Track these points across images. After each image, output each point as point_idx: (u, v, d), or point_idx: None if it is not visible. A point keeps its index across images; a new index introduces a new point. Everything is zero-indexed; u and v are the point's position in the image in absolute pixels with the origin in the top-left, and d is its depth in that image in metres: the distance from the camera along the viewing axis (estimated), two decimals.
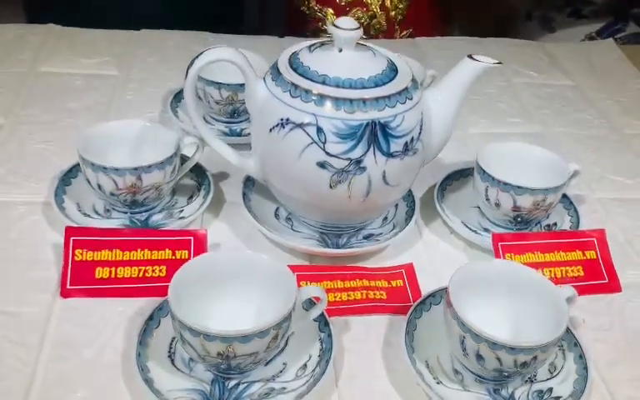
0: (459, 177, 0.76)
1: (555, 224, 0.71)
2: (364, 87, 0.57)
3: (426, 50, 1.09)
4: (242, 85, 0.76)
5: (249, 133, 0.79)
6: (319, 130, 0.56)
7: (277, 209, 0.68)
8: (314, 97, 0.57)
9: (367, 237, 0.66)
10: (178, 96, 0.84)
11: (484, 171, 0.66)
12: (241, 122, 0.81)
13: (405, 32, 1.20)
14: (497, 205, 0.66)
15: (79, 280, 0.58)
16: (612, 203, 0.78)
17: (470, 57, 0.63)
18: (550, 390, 0.53)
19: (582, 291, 0.64)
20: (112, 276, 0.59)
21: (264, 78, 0.61)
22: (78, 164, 0.67)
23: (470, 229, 0.69)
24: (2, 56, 0.92)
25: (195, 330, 0.46)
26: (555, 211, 0.71)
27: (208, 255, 0.54)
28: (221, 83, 0.76)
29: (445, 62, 1.06)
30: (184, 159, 0.68)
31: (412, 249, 0.68)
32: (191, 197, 0.69)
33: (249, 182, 0.69)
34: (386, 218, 0.69)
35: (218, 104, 0.78)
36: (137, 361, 0.50)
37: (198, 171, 0.70)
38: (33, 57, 0.93)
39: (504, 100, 0.97)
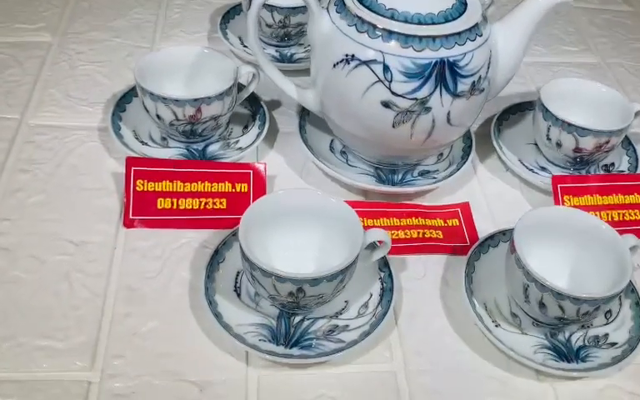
0: (516, 110, 0.74)
1: (613, 164, 0.70)
2: (433, 23, 0.55)
3: None
4: (296, 8, 0.74)
5: (300, 59, 0.78)
6: (386, 68, 0.55)
7: (331, 141, 0.68)
8: (381, 33, 0.55)
9: (422, 174, 0.66)
10: (227, 16, 0.82)
11: (547, 109, 0.65)
12: (291, 46, 0.79)
13: None
14: (559, 145, 0.65)
15: (141, 210, 0.59)
16: None
17: None
18: (606, 336, 0.54)
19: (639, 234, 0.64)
20: (174, 207, 0.59)
21: (327, 9, 0.59)
22: (132, 89, 0.67)
23: (527, 167, 0.68)
24: None
25: (267, 271, 0.47)
26: (613, 151, 0.69)
27: (277, 194, 0.54)
28: (273, 6, 0.74)
29: None
30: (240, 87, 0.67)
31: (466, 186, 0.67)
32: (246, 126, 0.68)
33: (305, 113, 0.68)
34: (441, 154, 0.68)
35: (270, 27, 0.76)
36: (205, 295, 0.51)
37: (253, 99, 0.69)
38: None
39: (559, 26, 0.94)
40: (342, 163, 0.66)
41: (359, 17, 0.55)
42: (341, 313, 0.53)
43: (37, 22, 0.80)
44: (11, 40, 0.77)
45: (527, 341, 0.53)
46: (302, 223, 0.54)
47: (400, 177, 0.65)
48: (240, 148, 0.65)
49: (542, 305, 0.50)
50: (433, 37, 0.55)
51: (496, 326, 0.54)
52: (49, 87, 0.71)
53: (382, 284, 0.55)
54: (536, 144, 0.70)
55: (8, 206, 0.58)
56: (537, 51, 0.88)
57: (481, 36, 0.57)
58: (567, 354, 0.53)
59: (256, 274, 0.48)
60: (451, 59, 0.55)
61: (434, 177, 0.65)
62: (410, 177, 0.66)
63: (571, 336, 0.54)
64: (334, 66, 0.57)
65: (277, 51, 0.79)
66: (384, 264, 0.56)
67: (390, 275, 0.55)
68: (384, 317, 0.52)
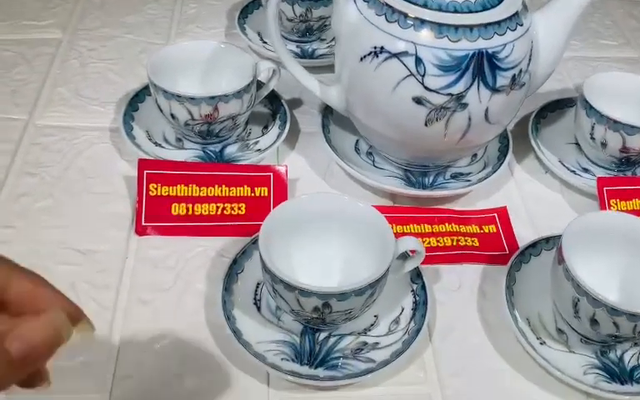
0: (554, 108, 0.69)
1: None
2: (470, 11, 0.51)
3: None
4: (318, 0, 0.70)
5: (322, 55, 0.74)
6: (418, 61, 0.50)
7: (357, 142, 0.63)
8: (413, 22, 0.50)
9: (455, 176, 0.61)
10: (245, 11, 0.78)
11: (591, 106, 0.59)
12: (313, 41, 0.75)
13: None
14: (604, 145, 0.60)
15: (154, 217, 0.55)
16: None
17: None
18: None
19: None
20: (189, 213, 0.55)
21: None
22: (146, 88, 0.63)
23: (568, 169, 0.63)
24: None
25: (290, 285, 0.42)
26: None
27: (300, 199, 0.50)
28: None
29: None
30: (259, 85, 0.63)
31: (502, 189, 0.62)
32: (265, 126, 0.64)
33: (328, 111, 0.64)
34: (475, 155, 0.63)
35: (291, 22, 0.72)
36: (223, 309, 0.47)
37: (273, 98, 0.65)
38: None
39: (596, 19, 0.88)
40: (368, 165, 0.61)
41: (389, 6, 0.51)
42: (370, 329, 0.48)
43: (46, 18, 0.77)
44: (19, 37, 0.74)
45: (575, 360, 0.48)
46: (328, 231, 0.49)
47: (431, 179, 0.61)
48: (259, 150, 0.61)
49: (594, 321, 0.46)
50: (470, 27, 0.50)
51: (540, 343, 0.49)
52: (58, 86, 0.68)
53: (415, 297, 0.50)
54: (577, 144, 0.65)
55: (12, 211, 0.55)
56: (574, 45, 0.82)
57: (522, 25, 0.52)
58: (619, 375, 0.48)
59: (278, 287, 0.44)
60: (490, 50, 0.50)
61: (468, 180, 0.61)
62: (442, 179, 0.61)
63: (623, 354, 0.49)
64: (361, 59, 0.52)
65: (297, 47, 0.75)
66: (417, 275, 0.51)
67: (423, 287, 0.50)
68: (418, 333, 0.47)
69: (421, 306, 0.49)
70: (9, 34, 0.74)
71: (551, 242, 0.54)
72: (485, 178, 0.60)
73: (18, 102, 0.65)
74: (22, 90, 0.67)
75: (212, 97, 0.56)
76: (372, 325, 0.49)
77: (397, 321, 0.49)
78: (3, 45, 0.72)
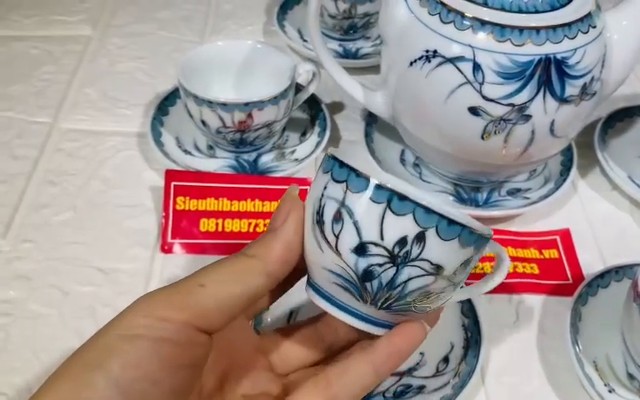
0: (623, 116, 0.63)
1: None
2: (537, 11, 0.45)
3: None
4: None
5: (366, 54, 0.69)
6: (476, 67, 0.44)
7: (402, 152, 0.58)
8: (471, 24, 0.44)
9: (511, 193, 0.55)
10: (285, 6, 0.73)
11: None
12: (356, 40, 0.70)
13: None
14: None
15: (182, 233, 0.50)
16: None
17: None
18: None
19: None
20: (220, 229, 0.51)
21: None
22: (177, 90, 0.59)
23: (638, 186, 0.57)
24: None
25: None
26: None
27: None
28: None
29: None
30: (297, 88, 0.58)
31: (564, 208, 0.56)
32: (303, 133, 0.59)
33: (372, 118, 0.58)
34: (534, 169, 0.57)
35: (334, 19, 0.67)
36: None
37: (312, 102, 0.60)
38: None
39: None
40: (414, 178, 0.56)
41: (443, 4, 0.45)
42: (415, 369, 0.43)
43: (77, 13, 0.73)
44: (47, 34, 0.70)
45: None
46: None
47: (485, 196, 0.55)
48: (296, 160, 0.56)
49: None
50: (537, 29, 0.44)
51: (609, 391, 0.43)
52: (85, 87, 0.64)
53: (466, 333, 0.45)
54: None
55: (32, 224, 0.51)
56: None
57: (594, 27, 0.46)
58: None
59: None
60: (559, 56, 0.44)
61: (527, 198, 0.55)
62: (497, 196, 0.55)
63: None
64: (411, 64, 0.47)
65: (340, 45, 0.69)
66: (469, 308, 0.45)
67: (476, 322, 0.45)
68: (470, 376, 0.42)
69: (473, 344, 0.44)
70: (38, 30, 0.71)
71: (620, 272, 0.48)
72: (547, 196, 0.54)
73: (43, 103, 0.62)
74: (48, 91, 0.63)
75: (247, 104, 0.51)
76: (417, 364, 0.44)
77: (446, 360, 0.44)
78: (32, 42, 0.69)
